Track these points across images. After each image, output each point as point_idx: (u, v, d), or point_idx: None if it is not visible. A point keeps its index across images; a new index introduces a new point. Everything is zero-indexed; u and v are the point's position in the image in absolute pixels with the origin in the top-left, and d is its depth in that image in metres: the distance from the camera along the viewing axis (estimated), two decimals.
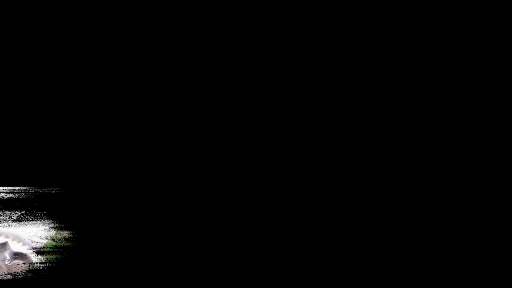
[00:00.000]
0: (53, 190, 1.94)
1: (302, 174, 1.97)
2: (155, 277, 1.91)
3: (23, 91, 1.95)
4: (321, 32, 1.97)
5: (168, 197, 1.95)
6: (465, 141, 1.93)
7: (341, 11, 1.96)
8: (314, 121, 1.98)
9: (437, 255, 1.93)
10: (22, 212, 1.93)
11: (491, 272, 1.91)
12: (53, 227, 1.92)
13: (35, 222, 1.93)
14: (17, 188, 1.94)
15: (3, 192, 1.93)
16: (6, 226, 1.92)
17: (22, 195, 1.93)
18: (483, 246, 1.92)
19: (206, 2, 1.95)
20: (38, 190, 1.94)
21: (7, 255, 1.89)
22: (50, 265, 1.88)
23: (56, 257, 1.89)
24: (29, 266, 1.89)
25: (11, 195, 1.93)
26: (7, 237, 1.92)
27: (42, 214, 1.93)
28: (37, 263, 1.89)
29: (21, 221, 1.92)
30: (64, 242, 1.91)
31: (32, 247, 1.91)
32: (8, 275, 1.87)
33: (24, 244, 1.91)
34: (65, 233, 1.92)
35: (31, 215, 1.93)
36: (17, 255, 1.90)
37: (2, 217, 1.92)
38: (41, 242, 1.91)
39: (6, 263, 1.89)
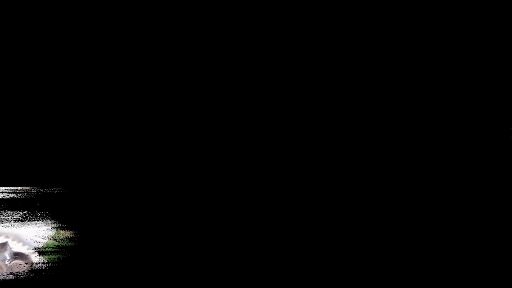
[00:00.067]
0: (56, 190, 1.94)
1: (302, 174, 1.98)
2: (156, 277, 1.89)
3: (27, 93, 1.96)
4: (321, 32, 2.02)
5: (169, 197, 1.95)
6: (465, 141, 1.96)
7: (341, 11, 2.01)
8: (314, 121, 2.00)
9: (437, 255, 1.93)
10: (25, 212, 1.92)
11: (491, 271, 1.91)
12: (55, 227, 1.91)
13: (37, 222, 1.91)
14: (19, 188, 1.93)
15: (6, 192, 1.92)
16: (9, 226, 1.90)
17: (24, 195, 1.93)
18: (483, 246, 1.92)
19: (206, 2, 2.00)
20: (41, 190, 1.93)
21: (7, 255, 1.87)
22: (52, 265, 1.86)
23: (58, 257, 1.87)
24: (30, 266, 1.86)
25: (14, 195, 1.92)
26: (7, 237, 1.90)
27: (44, 214, 1.92)
28: (38, 263, 1.87)
29: (24, 221, 1.91)
30: (66, 242, 1.89)
31: (33, 247, 1.89)
32: (8, 275, 1.84)
33: (24, 244, 1.89)
34: (67, 233, 1.90)
35: (33, 215, 1.92)
36: (17, 255, 1.88)
37: (4, 217, 1.91)
38: (43, 242, 1.89)
39: (6, 263, 1.87)
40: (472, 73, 1.98)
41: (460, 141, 1.96)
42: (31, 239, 1.89)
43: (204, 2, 2.00)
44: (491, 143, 1.93)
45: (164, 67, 2.00)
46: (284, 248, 1.94)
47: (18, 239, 1.89)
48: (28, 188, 1.94)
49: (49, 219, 1.92)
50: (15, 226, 1.90)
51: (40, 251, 1.88)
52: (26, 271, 1.86)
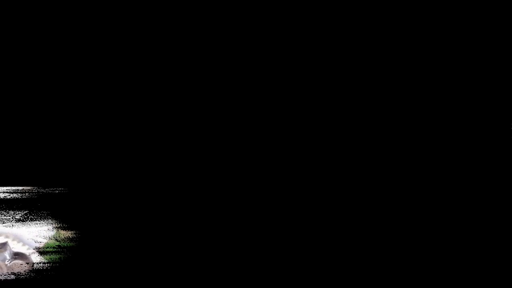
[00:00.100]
0: (57, 190, 1.93)
1: (302, 173, 1.99)
2: (157, 277, 1.88)
3: (27, 93, 1.96)
4: (321, 32, 2.03)
5: (170, 197, 1.95)
6: (465, 141, 1.97)
7: (341, 11, 2.03)
8: (314, 121, 2.01)
9: (437, 255, 1.93)
10: (26, 212, 1.91)
11: (491, 271, 1.91)
12: (56, 227, 1.90)
13: (38, 222, 1.90)
14: (20, 188, 1.93)
15: (7, 192, 1.92)
16: (10, 226, 1.89)
17: (25, 195, 1.92)
18: (483, 245, 1.93)
19: (206, 2, 2.01)
20: (42, 190, 1.93)
21: (7, 255, 1.86)
22: (53, 265, 1.85)
23: (59, 257, 1.86)
24: (31, 266, 1.85)
25: (15, 195, 1.92)
26: (7, 237, 1.89)
27: (45, 214, 1.91)
28: (38, 263, 1.86)
29: (25, 221, 1.90)
30: (67, 242, 1.88)
31: (34, 247, 1.88)
32: (9, 275, 1.83)
33: (24, 244, 1.88)
34: (68, 233, 1.90)
35: (34, 215, 1.91)
36: (17, 255, 1.87)
37: (5, 217, 1.90)
38: (44, 242, 1.88)
39: (6, 263, 1.85)
40: (472, 73, 1.99)
41: (460, 141, 1.98)
42: (31, 239, 1.88)
43: (204, 2, 2.01)
44: (491, 143, 1.95)
45: (165, 67, 2.01)
46: (284, 248, 1.94)
47: (18, 239, 1.88)
48: (29, 188, 1.93)
49: (50, 219, 1.91)
50: (16, 226, 1.89)
51: (41, 251, 1.87)
52: (26, 271, 1.85)
